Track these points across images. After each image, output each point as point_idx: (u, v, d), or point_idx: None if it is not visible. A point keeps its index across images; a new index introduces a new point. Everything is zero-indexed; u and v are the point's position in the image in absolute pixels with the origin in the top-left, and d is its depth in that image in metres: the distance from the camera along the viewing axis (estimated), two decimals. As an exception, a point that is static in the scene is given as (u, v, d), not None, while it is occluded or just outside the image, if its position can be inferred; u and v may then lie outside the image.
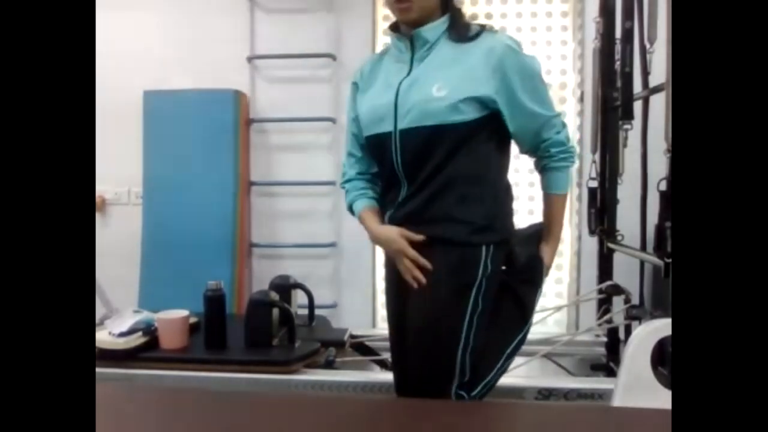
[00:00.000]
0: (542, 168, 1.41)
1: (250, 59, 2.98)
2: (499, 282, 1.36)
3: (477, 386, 1.34)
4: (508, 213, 1.40)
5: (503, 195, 1.38)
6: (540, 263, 1.42)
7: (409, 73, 1.32)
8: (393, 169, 1.34)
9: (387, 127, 1.32)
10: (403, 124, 1.30)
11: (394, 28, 1.38)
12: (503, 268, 1.39)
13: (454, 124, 1.26)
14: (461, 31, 1.32)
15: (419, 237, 1.32)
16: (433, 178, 1.29)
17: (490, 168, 1.34)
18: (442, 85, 1.27)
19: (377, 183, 1.46)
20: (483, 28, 1.33)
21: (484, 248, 1.30)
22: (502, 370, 1.38)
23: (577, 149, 2.82)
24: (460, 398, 1.31)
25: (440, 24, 1.32)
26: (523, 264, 1.40)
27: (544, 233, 1.44)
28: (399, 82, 1.32)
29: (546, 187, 1.41)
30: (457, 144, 1.28)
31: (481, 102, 1.27)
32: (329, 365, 1.85)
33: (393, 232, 1.34)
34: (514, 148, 1.40)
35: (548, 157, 1.37)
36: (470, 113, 1.27)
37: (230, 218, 2.87)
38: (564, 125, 1.38)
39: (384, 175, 1.39)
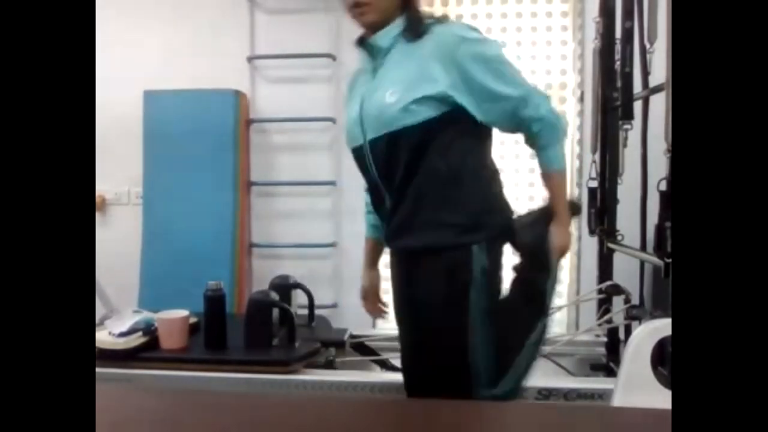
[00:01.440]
0: (533, 146, 1.34)
1: (250, 59, 2.98)
2: (504, 276, 1.34)
3: (501, 382, 1.29)
4: (498, 204, 1.35)
5: (487, 187, 1.34)
6: (546, 246, 1.35)
7: (371, 83, 1.31)
8: (373, 181, 1.34)
9: (359, 140, 1.32)
10: (370, 136, 1.29)
11: (360, 41, 1.36)
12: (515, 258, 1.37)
13: (411, 126, 1.23)
14: (414, 30, 1.27)
15: (383, 311, 1.66)
16: (409, 184, 1.28)
17: (467, 163, 1.29)
18: (394, 90, 1.24)
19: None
20: (437, 21, 1.29)
21: (476, 247, 1.27)
22: (529, 361, 1.33)
23: (572, 134, 2.82)
24: (488, 398, 1.27)
25: (394, 28, 1.29)
26: (528, 250, 1.36)
27: (552, 214, 1.37)
28: (363, 93, 1.32)
29: (541, 165, 1.35)
30: (421, 146, 1.25)
31: (437, 99, 1.23)
32: (329, 365, 1.85)
33: (367, 286, 1.65)
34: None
35: (534, 136, 1.31)
36: (426, 112, 1.23)
37: (230, 218, 2.87)
38: (545, 98, 1.31)
39: (370, 186, 1.41)
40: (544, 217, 1.39)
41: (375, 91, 1.28)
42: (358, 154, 1.36)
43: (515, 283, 1.38)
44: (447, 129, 1.25)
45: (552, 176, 1.35)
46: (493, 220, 1.32)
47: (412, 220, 1.30)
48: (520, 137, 1.38)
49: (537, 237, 1.35)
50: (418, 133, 1.24)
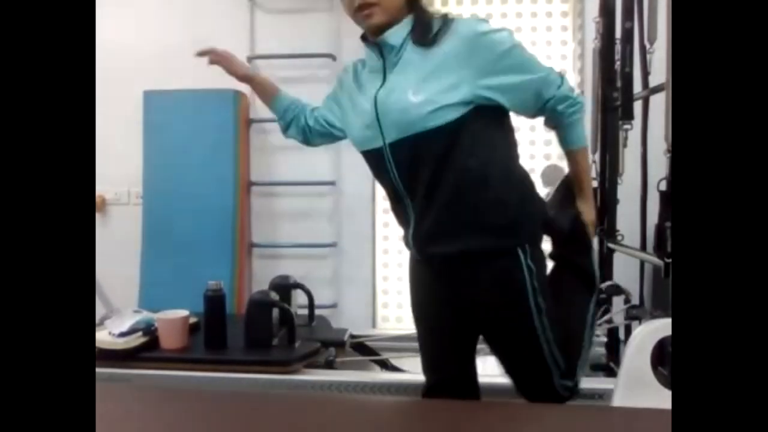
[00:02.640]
0: (555, 126, 1.37)
1: (250, 59, 2.98)
2: (549, 270, 1.38)
3: (575, 368, 1.36)
4: (533, 201, 1.34)
5: (521, 185, 1.32)
6: (583, 227, 1.41)
7: (383, 83, 1.27)
8: (393, 185, 1.30)
9: (377, 142, 1.27)
10: (390, 138, 1.25)
11: (365, 37, 1.32)
12: (552, 243, 1.42)
13: (439, 126, 1.20)
14: (422, 33, 1.24)
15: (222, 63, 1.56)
16: (438, 186, 1.24)
17: (496, 160, 1.27)
18: (417, 90, 1.20)
19: (315, 125, 1.64)
20: (445, 20, 1.25)
21: (520, 251, 1.26)
22: (590, 343, 1.41)
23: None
24: (565, 388, 1.35)
25: (403, 26, 1.25)
26: (567, 233, 1.40)
27: (575, 190, 1.42)
28: (375, 93, 1.27)
29: (565, 143, 1.39)
30: (449, 145, 1.21)
31: (464, 98, 1.20)
32: (329, 365, 1.85)
33: (238, 64, 1.64)
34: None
35: (559, 116, 1.32)
36: (455, 112, 1.20)
37: (230, 218, 2.87)
38: (562, 78, 1.32)
39: (387, 190, 1.36)
40: (569, 197, 1.43)
41: (392, 92, 1.24)
42: (374, 156, 1.30)
43: (559, 270, 1.42)
44: (474, 125, 1.22)
45: (577, 153, 1.40)
46: (532, 218, 1.32)
47: (446, 225, 1.27)
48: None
49: (573, 221, 1.40)
50: (446, 133, 1.20)
